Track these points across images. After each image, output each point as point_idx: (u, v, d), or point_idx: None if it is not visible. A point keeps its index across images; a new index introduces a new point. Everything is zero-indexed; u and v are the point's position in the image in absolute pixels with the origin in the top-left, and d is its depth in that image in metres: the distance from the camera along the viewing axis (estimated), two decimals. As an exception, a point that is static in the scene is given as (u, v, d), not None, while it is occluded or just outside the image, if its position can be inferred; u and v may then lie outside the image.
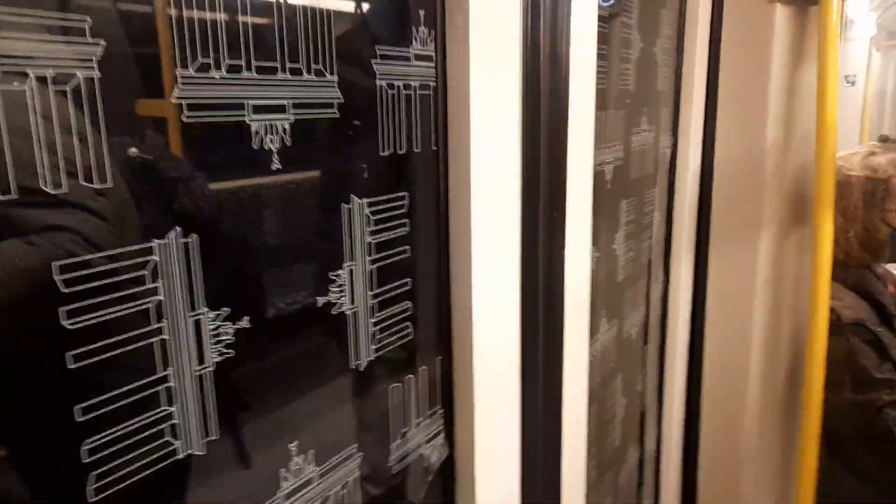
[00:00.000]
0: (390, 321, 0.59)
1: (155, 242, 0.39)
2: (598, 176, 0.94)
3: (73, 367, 0.36)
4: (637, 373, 1.28)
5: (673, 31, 1.19)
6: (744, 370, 1.37)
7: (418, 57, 0.59)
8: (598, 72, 0.81)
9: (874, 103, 3.29)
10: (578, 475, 0.87)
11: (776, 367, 1.45)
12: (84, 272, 0.36)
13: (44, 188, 0.34)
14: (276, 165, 0.46)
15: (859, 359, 1.55)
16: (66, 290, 0.35)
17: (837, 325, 1.50)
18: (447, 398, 0.67)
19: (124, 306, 0.38)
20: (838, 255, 1.52)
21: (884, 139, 1.73)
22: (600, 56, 0.86)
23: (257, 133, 0.45)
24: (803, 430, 1.35)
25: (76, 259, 0.36)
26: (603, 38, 0.90)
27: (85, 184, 0.35)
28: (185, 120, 0.40)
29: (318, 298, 0.51)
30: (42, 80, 0.33)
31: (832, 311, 1.43)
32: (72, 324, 0.35)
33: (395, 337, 0.60)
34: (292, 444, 0.50)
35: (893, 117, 3.85)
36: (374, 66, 0.54)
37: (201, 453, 0.43)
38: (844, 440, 1.63)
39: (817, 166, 1.24)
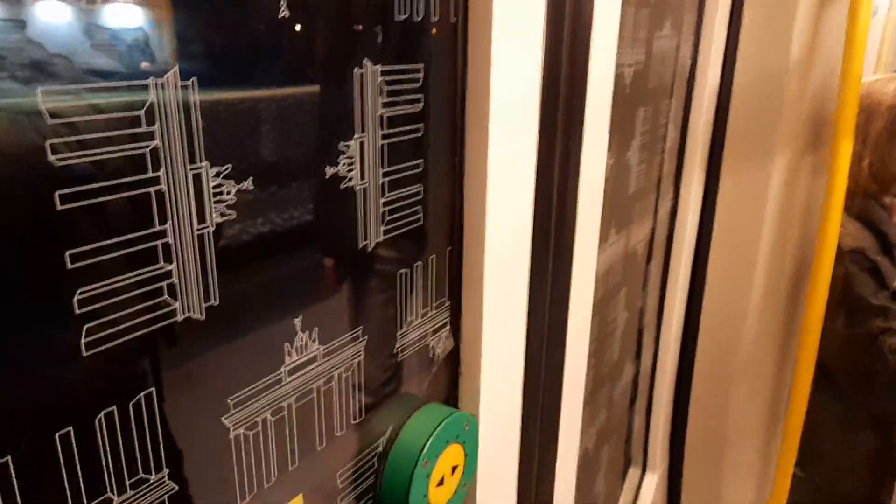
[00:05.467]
0: (400, 203, 0.56)
1: (151, 80, 0.35)
2: (618, 78, 0.89)
3: (61, 208, 0.33)
4: (639, 288, 1.26)
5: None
6: (745, 292, 1.36)
7: (440, -89, 0.53)
8: (626, -41, 0.75)
9: (893, 36, 3.18)
10: (579, 377, 0.86)
11: (777, 291, 1.44)
12: (70, 103, 0.32)
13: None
14: (283, 12, 0.42)
15: (856, 286, 1.54)
16: (51, 122, 0.32)
17: (838, 254, 1.49)
18: (455, 291, 0.65)
19: (116, 148, 0.34)
20: (848, 182, 1.49)
21: (902, 71, 1.67)
22: (629, -56, 0.80)
23: (264, -28, 0.40)
24: (799, 355, 1.36)
25: (61, 87, 0.32)
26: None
27: (71, -1, 0.31)
28: (183, -57, 0.36)
29: (326, 169, 0.48)
30: None
31: (835, 239, 1.42)
32: (59, 160, 0.32)
33: (404, 220, 0.57)
34: (297, 319, 0.48)
35: (911, 51, 3.74)
36: (393, -85, 0.49)
37: (201, 318, 0.41)
38: (832, 369, 1.64)
39: (841, 88, 1.19)
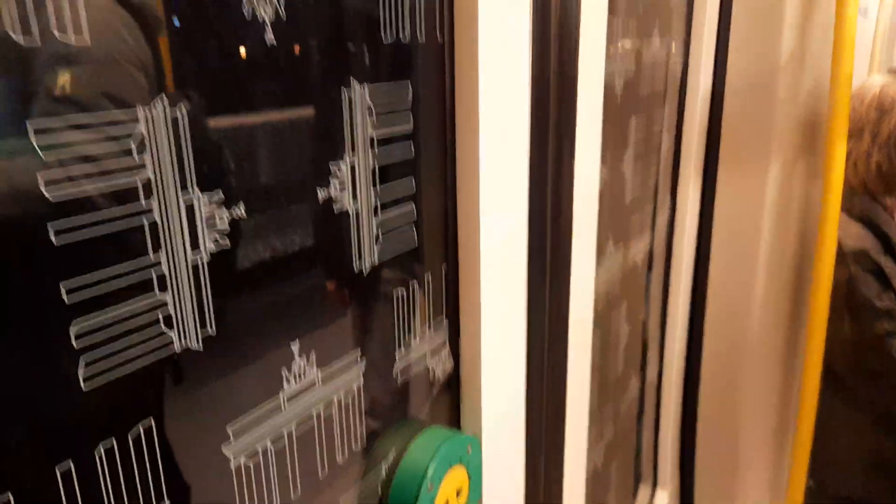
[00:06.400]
0: (394, 224, 0.56)
1: (140, 111, 0.36)
2: (608, 87, 0.90)
3: (56, 242, 0.33)
4: (640, 299, 1.26)
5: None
6: (747, 299, 1.36)
7: (422, -64, 0.54)
8: (609, -27, 0.76)
9: (885, 36, 3.19)
10: (582, 393, 0.86)
11: (780, 296, 1.44)
12: (61, 136, 0.32)
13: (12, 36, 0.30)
14: (270, 39, 0.42)
15: (860, 288, 1.53)
16: (44, 157, 0.32)
17: (839, 254, 1.49)
18: (452, 310, 0.65)
19: (108, 179, 0.35)
20: (851, 177, 1.48)
21: (894, 72, 1.68)
22: (612, -41, 0.81)
23: (250, 1, 0.41)
24: (806, 360, 1.35)
25: (56, 123, 0.32)
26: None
27: (58, 34, 0.32)
28: (168, -23, 0.36)
29: (318, 192, 0.48)
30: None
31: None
32: (53, 194, 0.32)
33: (398, 241, 0.57)
34: (294, 345, 0.48)
35: (904, 52, 3.75)
36: (376, -59, 0.49)
37: (198, 348, 0.41)
38: (841, 373, 1.63)
39: (832, 88, 1.20)
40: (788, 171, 1.33)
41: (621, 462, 1.31)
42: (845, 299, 1.53)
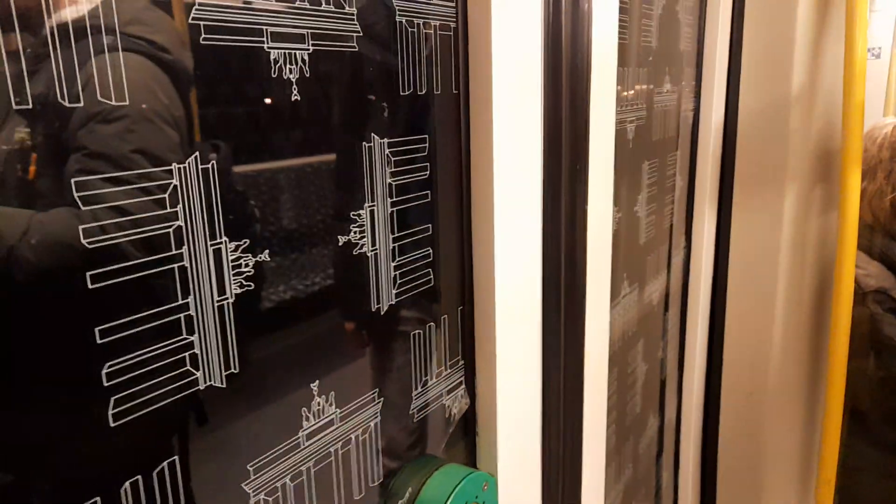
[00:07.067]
0: (411, 266, 0.58)
1: (174, 166, 0.38)
2: (620, 134, 0.92)
3: (92, 287, 0.35)
4: (657, 339, 1.26)
5: (696, -11, 1.16)
6: (766, 338, 1.35)
7: (439, -5, 0.57)
8: (619, 25, 0.79)
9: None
10: (599, 431, 0.86)
11: (799, 335, 1.42)
12: (102, 190, 0.35)
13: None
14: (295, 96, 0.45)
15: (882, 327, 1.52)
16: (84, 209, 0.34)
17: (860, 294, 1.48)
18: (468, 350, 0.66)
19: (143, 229, 0.37)
20: (866, 216, 1.49)
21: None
22: (622, 10, 0.84)
23: (276, 62, 0.44)
24: (827, 399, 1.33)
25: (98, 176, 0.35)
26: (625, -9, 0.87)
27: (102, 99, 0.35)
28: (202, 42, 0.39)
29: (338, 237, 0.50)
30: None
31: (854, 279, 1.40)
32: (90, 243, 0.35)
33: (415, 283, 0.59)
34: (313, 384, 0.49)
35: (919, 92, 3.75)
36: (394, 2, 0.53)
37: (222, 386, 0.43)
38: (866, 413, 1.60)
39: (845, 122, 1.21)
40: (804, 208, 1.33)
41: (641, 501, 1.29)
42: (868, 338, 1.52)
